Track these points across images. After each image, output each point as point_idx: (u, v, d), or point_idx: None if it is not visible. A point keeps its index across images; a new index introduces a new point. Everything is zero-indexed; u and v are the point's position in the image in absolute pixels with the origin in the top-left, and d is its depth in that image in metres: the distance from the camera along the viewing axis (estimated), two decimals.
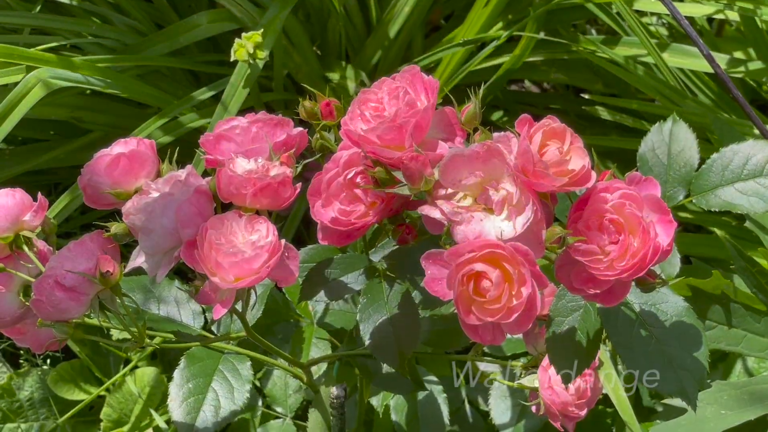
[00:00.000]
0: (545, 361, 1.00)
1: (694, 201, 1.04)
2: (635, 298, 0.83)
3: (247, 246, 0.77)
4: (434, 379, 1.15)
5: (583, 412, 0.99)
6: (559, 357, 0.85)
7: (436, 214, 0.72)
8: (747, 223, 1.20)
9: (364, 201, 0.81)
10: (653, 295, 0.82)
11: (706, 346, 0.82)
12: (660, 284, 0.75)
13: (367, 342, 0.90)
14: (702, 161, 1.06)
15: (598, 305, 0.83)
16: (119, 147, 0.87)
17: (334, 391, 1.01)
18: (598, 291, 0.72)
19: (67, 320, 0.87)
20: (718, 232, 1.03)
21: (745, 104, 1.18)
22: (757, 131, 1.24)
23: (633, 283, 0.75)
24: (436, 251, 0.71)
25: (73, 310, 0.85)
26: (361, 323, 0.91)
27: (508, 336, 0.73)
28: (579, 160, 0.71)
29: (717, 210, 1.02)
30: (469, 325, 0.70)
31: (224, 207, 0.84)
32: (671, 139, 1.06)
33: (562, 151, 0.71)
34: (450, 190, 0.73)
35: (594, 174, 0.72)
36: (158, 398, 1.55)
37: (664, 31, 1.97)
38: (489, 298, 0.69)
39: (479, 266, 0.69)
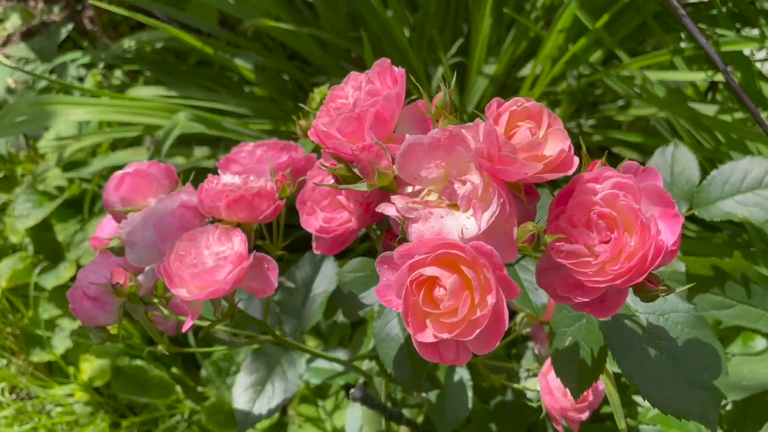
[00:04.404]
0: (545, 367, 0.71)
1: (696, 213, 0.77)
2: (641, 307, 0.51)
3: (210, 257, 0.52)
4: (463, 367, 0.85)
5: (584, 415, 0.69)
6: (563, 373, 0.53)
7: (391, 211, 0.43)
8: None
9: (347, 207, 0.53)
10: (661, 303, 0.50)
11: (725, 359, 0.49)
12: (664, 292, 0.43)
13: (384, 362, 0.62)
14: (702, 177, 0.80)
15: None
16: (128, 168, 0.65)
17: (353, 392, 0.73)
18: (587, 299, 0.41)
19: (101, 326, 0.65)
20: (740, 216, 0.75)
21: (757, 115, 0.84)
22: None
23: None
24: (390, 254, 0.41)
25: (101, 318, 0.64)
26: (377, 345, 0.62)
27: None
28: (557, 143, 0.40)
29: (718, 220, 0.77)
30: (425, 344, 0.39)
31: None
32: (673, 161, 0.82)
33: (534, 133, 0.41)
34: (417, 187, 0.43)
35: (576, 159, 0.41)
36: None
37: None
38: (444, 309, 0.38)
39: (430, 270, 0.38)
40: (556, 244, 0.40)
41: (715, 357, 0.49)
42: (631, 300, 0.51)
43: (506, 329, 0.38)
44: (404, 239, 0.42)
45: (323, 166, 0.47)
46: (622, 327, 0.50)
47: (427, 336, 0.39)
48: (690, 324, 0.50)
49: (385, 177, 0.43)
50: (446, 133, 0.41)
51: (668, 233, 0.41)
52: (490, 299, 0.38)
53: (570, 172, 0.40)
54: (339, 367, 1.08)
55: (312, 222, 0.53)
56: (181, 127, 1.28)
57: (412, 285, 0.38)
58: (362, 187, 0.44)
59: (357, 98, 0.46)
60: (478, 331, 0.38)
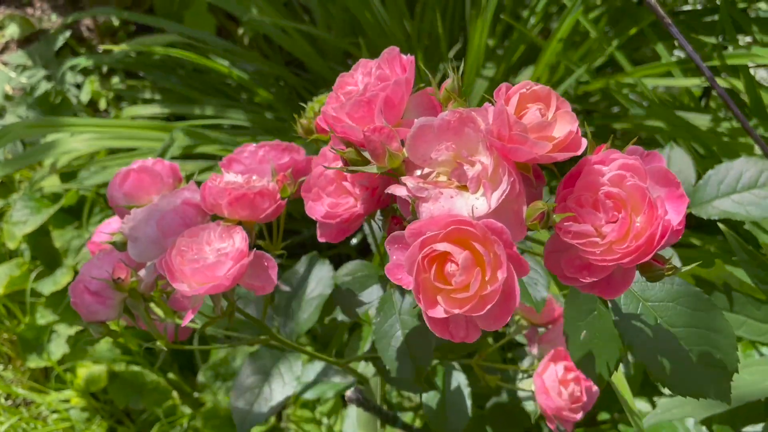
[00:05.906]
0: (540, 366, 0.71)
1: (693, 212, 0.77)
2: (650, 295, 0.51)
3: (211, 253, 0.52)
4: (459, 370, 0.85)
5: (578, 416, 0.69)
6: (583, 365, 0.53)
7: (401, 191, 0.43)
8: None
9: (353, 193, 0.53)
10: (669, 290, 0.50)
11: (734, 336, 0.49)
12: (670, 271, 0.43)
13: (384, 359, 0.62)
14: (699, 177, 0.80)
15: (612, 310, 0.52)
16: (133, 164, 0.65)
17: (349, 393, 0.73)
18: (595, 279, 0.41)
19: (101, 321, 0.64)
20: (722, 227, 0.75)
21: (745, 122, 0.85)
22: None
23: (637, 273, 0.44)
24: (401, 233, 0.42)
25: (102, 312, 0.63)
26: (377, 342, 0.63)
27: None
28: (566, 125, 0.41)
29: (716, 219, 0.76)
30: (435, 319, 0.40)
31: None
32: (670, 163, 0.82)
33: (544, 114, 0.41)
34: (426, 170, 0.44)
35: (585, 141, 0.42)
36: None
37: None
38: (455, 285, 0.39)
39: (443, 246, 0.39)
40: (565, 224, 0.41)
41: (725, 335, 0.49)
42: (640, 288, 0.52)
43: (516, 306, 0.38)
44: (413, 220, 0.42)
45: (333, 149, 0.47)
46: (634, 316, 0.50)
47: (438, 312, 0.39)
48: (699, 307, 0.50)
49: (395, 158, 0.43)
50: (456, 114, 0.42)
51: (674, 213, 0.41)
52: (501, 275, 0.38)
53: (579, 153, 0.40)
54: (335, 379, 1.07)
55: (317, 208, 0.54)
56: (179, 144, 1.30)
57: (424, 261, 0.39)
58: (372, 169, 0.45)
59: (367, 83, 0.46)
60: (489, 306, 0.38)
